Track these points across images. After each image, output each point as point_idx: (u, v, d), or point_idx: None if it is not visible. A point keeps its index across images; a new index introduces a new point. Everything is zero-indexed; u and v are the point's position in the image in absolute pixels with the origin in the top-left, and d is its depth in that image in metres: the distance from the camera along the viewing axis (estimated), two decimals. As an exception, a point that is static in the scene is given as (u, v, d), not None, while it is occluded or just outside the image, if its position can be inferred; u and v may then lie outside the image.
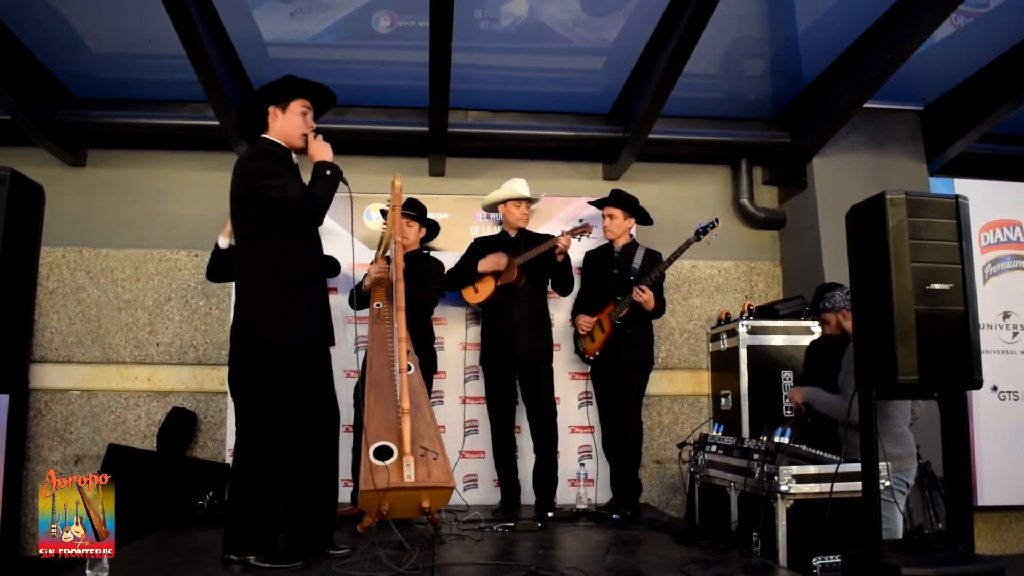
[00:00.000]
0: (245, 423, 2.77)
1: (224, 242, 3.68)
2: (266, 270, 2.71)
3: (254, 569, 2.55)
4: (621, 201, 4.22)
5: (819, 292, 3.62)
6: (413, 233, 4.10)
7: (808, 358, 3.89)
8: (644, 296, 3.98)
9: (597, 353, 4.17)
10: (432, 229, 4.29)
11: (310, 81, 2.87)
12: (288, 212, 2.68)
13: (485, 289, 4.15)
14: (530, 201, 4.26)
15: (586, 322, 4.20)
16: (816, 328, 4.22)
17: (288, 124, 2.83)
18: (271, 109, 2.85)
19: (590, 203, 4.42)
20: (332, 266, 3.88)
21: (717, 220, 4.07)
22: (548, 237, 4.09)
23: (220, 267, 3.75)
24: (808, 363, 3.85)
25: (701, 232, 4.03)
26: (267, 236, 2.72)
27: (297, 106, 2.84)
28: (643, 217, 4.29)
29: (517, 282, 4.08)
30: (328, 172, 2.76)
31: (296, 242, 2.75)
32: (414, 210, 4.11)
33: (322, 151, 2.81)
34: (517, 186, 4.24)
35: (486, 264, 4.11)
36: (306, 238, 2.81)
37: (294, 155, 2.87)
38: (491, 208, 4.46)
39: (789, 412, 3.58)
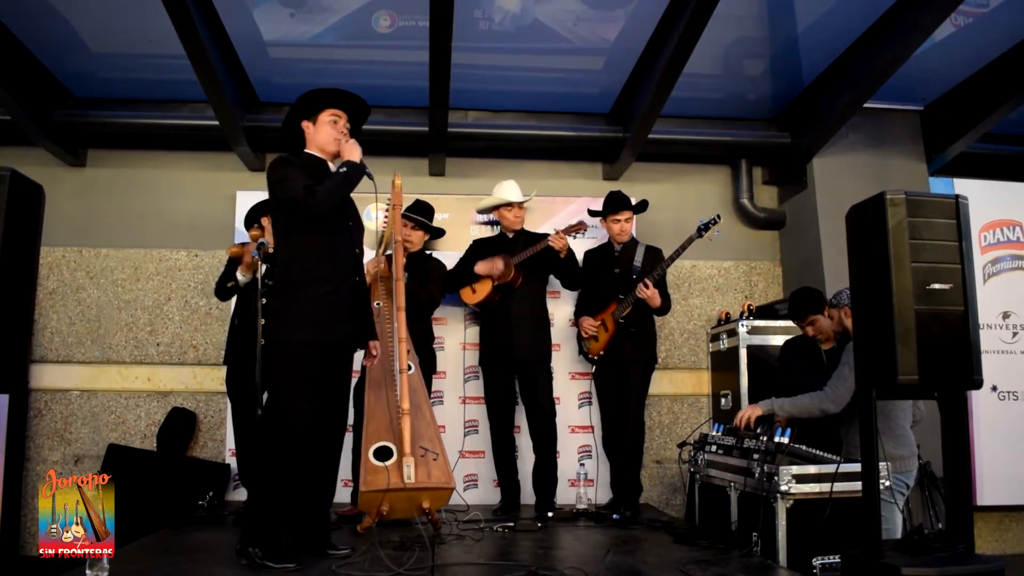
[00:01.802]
0: (265, 414, 2.80)
1: (243, 278, 3.75)
2: (286, 268, 2.80)
3: (255, 566, 2.56)
4: (630, 204, 4.23)
5: (801, 297, 3.63)
6: (418, 236, 4.10)
7: (785, 356, 3.83)
8: (648, 292, 3.98)
9: (601, 353, 4.17)
10: (436, 231, 4.29)
11: (334, 90, 2.91)
12: (294, 209, 2.73)
13: (483, 289, 4.16)
14: (522, 203, 4.25)
15: (590, 324, 4.20)
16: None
17: (321, 135, 2.90)
18: (304, 124, 2.92)
19: (592, 213, 4.39)
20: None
21: (719, 216, 4.07)
22: (545, 236, 4.09)
23: (228, 294, 3.87)
24: (784, 361, 3.81)
25: (703, 228, 4.03)
26: (290, 237, 2.80)
27: (326, 116, 2.90)
28: (639, 208, 4.31)
29: (514, 282, 4.09)
30: (344, 169, 2.79)
31: (316, 241, 2.78)
32: (421, 214, 4.11)
33: (350, 152, 2.86)
34: (506, 192, 4.23)
35: (482, 267, 4.13)
36: (329, 237, 2.82)
37: (332, 166, 2.91)
38: (486, 213, 4.48)
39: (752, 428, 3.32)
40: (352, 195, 2.91)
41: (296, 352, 2.70)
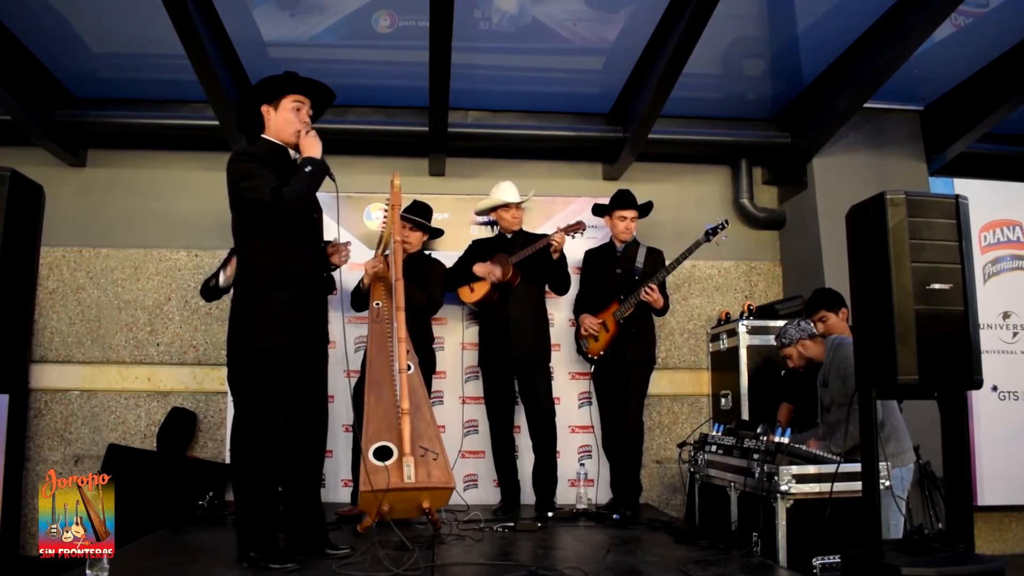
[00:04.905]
0: (237, 422, 2.77)
1: (224, 280, 3.76)
2: (252, 270, 2.73)
3: (256, 568, 2.56)
4: (636, 204, 4.23)
5: (818, 293, 3.70)
6: (416, 237, 4.10)
7: (782, 389, 4.01)
8: (654, 296, 3.99)
9: (601, 353, 4.16)
10: (435, 231, 4.29)
11: (300, 77, 2.82)
12: (261, 211, 2.66)
13: (481, 288, 4.16)
14: (519, 204, 4.25)
15: (591, 322, 4.19)
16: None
17: (280, 121, 2.79)
18: (264, 108, 2.81)
19: (597, 208, 4.39)
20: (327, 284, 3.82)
21: (727, 221, 4.08)
22: (544, 237, 4.09)
23: (212, 294, 3.89)
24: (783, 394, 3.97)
25: (711, 233, 4.03)
26: (254, 237, 2.73)
27: (288, 103, 2.79)
28: (644, 210, 4.31)
29: (512, 281, 4.08)
30: (308, 168, 2.71)
31: (282, 241, 2.72)
32: (419, 214, 4.10)
33: (310, 147, 2.76)
34: (503, 193, 4.23)
35: (480, 269, 4.14)
36: (296, 237, 2.76)
37: (292, 153, 2.83)
38: (484, 214, 4.48)
39: None
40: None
41: (267, 358, 2.65)
